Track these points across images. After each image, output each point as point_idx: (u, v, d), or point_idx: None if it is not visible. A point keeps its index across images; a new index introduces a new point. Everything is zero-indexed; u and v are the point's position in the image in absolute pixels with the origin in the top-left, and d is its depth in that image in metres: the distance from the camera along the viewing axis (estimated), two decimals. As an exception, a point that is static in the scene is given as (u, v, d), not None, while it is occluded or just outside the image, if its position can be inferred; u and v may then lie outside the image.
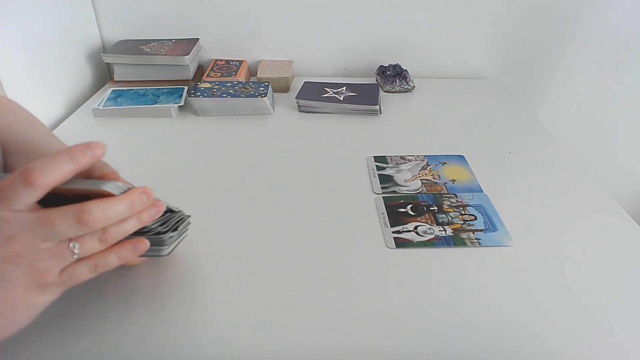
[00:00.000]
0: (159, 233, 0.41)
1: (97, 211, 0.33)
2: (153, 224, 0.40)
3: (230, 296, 0.45)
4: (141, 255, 0.40)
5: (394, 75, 0.94)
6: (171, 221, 0.43)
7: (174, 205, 0.44)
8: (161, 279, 0.47)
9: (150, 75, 0.91)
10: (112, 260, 0.37)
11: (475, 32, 0.99)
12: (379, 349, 0.40)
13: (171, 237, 0.42)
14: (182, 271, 0.48)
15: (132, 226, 0.37)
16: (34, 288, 0.34)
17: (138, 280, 0.46)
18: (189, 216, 0.46)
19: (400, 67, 0.95)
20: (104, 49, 0.98)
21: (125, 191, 0.36)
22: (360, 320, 0.43)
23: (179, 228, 0.44)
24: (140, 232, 0.39)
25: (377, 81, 0.98)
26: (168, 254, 0.43)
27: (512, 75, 1.05)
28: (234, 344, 0.40)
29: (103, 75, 1.00)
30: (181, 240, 0.46)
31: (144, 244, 0.38)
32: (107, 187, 0.35)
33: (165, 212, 0.42)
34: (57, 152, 0.32)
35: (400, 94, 0.94)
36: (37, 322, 0.41)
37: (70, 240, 0.34)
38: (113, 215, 0.34)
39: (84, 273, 0.36)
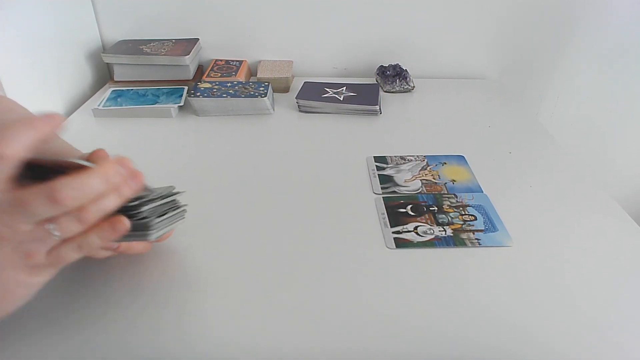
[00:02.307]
0: (145, 218, 0.40)
1: (69, 188, 0.31)
2: (140, 204, 0.39)
3: (229, 296, 0.45)
4: (127, 239, 0.39)
5: (394, 76, 0.94)
6: (160, 206, 0.42)
7: (168, 190, 0.43)
8: (161, 279, 0.47)
9: (150, 76, 0.91)
10: (95, 240, 0.35)
11: (475, 32, 0.99)
12: (379, 349, 0.40)
13: (159, 222, 0.41)
14: (181, 271, 0.48)
15: (112, 202, 0.34)
16: (23, 269, 0.34)
17: (139, 281, 0.46)
18: (184, 205, 0.45)
19: (400, 67, 0.95)
20: (104, 49, 0.98)
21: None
22: (360, 320, 0.43)
23: (170, 215, 0.43)
24: (129, 216, 0.38)
25: (377, 81, 0.98)
26: (155, 239, 0.41)
27: (512, 75, 1.05)
28: (233, 343, 0.40)
29: (103, 75, 1.00)
30: (172, 226, 0.44)
31: (122, 223, 0.35)
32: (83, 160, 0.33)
33: (156, 198, 0.41)
34: (14, 121, 0.31)
35: (400, 94, 0.94)
36: (37, 322, 0.41)
37: (47, 221, 0.32)
38: (88, 191, 0.32)
39: (70, 254, 0.35)
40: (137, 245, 0.46)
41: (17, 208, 0.31)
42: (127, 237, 0.39)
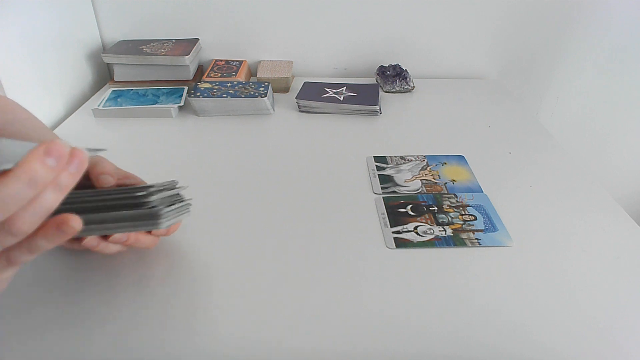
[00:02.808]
0: (155, 207, 0.40)
1: None
2: (148, 194, 0.39)
3: (229, 296, 0.45)
4: (137, 229, 0.39)
5: (394, 76, 0.94)
6: (168, 197, 0.42)
7: (171, 184, 0.44)
8: (160, 279, 0.47)
9: (150, 76, 0.91)
10: (43, 244, 0.30)
11: (475, 32, 0.99)
12: (379, 348, 0.40)
13: (168, 212, 0.41)
14: (181, 271, 0.48)
15: (50, 201, 0.28)
16: None
17: (140, 279, 0.46)
18: (189, 199, 0.46)
19: (400, 67, 0.95)
20: (104, 49, 0.99)
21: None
22: (360, 320, 0.43)
23: (177, 206, 0.43)
24: (139, 204, 0.38)
25: (377, 81, 0.98)
26: (165, 227, 0.41)
27: (512, 75, 1.05)
28: (232, 343, 0.40)
29: (103, 75, 1.00)
30: (180, 217, 0.44)
31: (69, 225, 0.30)
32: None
33: (163, 189, 0.42)
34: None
35: (400, 94, 0.94)
36: (41, 321, 0.41)
37: None
38: (11, 202, 0.26)
39: (22, 257, 0.30)
40: (145, 239, 0.45)
41: None
42: (137, 226, 0.40)
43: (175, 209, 0.43)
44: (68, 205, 0.32)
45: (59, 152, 0.27)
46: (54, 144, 0.27)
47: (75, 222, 0.30)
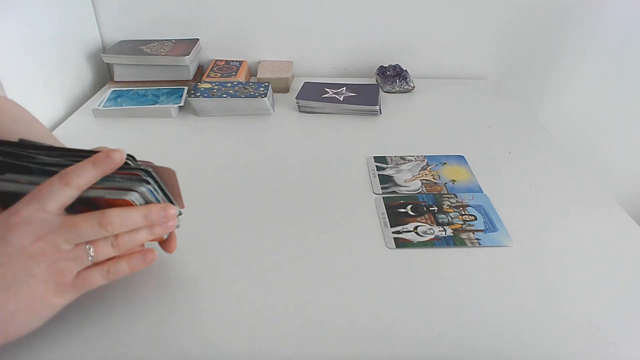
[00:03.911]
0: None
1: (116, 217, 0.37)
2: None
3: (228, 296, 0.45)
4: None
5: (394, 76, 0.94)
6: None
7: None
8: (160, 279, 0.47)
9: (151, 76, 0.91)
10: (123, 267, 0.39)
11: (476, 32, 0.99)
12: (379, 349, 0.40)
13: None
14: (181, 271, 0.48)
15: (143, 236, 0.39)
16: (52, 287, 0.36)
17: (138, 282, 0.46)
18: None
19: (400, 68, 0.95)
20: (104, 49, 0.99)
21: (146, 202, 0.39)
22: (359, 320, 0.43)
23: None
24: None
25: (377, 81, 0.98)
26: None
27: (512, 75, 1.05)
28: (232, 343, 0.40)
29: (103, 75, 1.00)
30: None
31: (153, 254, 0.41)
32: (130, 197, 0.38)
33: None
34: (84, 162, 0.37)
35: (400, 94, 0.94)
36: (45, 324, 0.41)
37: (86, 243, 0.37)
38: (129, 222, 0.37)
39: (96, 278, 0.38)
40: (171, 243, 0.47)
41: (67, 228, 0.35)
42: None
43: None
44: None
45: (168, 215, 0.40)
46: (169, 210, 0.40)
47: (155, 255, 0.41)
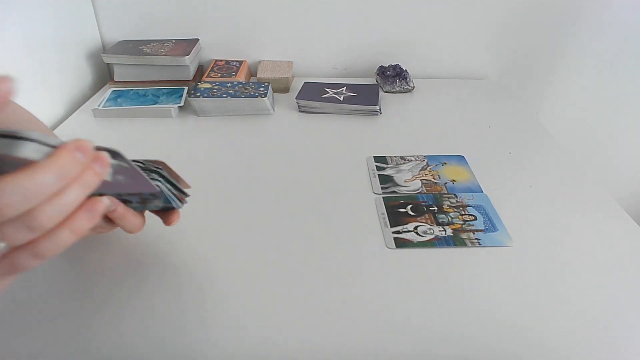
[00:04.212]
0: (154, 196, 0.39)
1: (9, 193, 0.24)
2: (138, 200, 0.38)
3: (228, 296, 0.45)
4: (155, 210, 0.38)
5: (394, 76, 0.94)
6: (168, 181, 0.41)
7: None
8: (160, 279, 0.47)
9: (151, 76, 0.91)
10: (65, 237, 0.28)
11: (476, 32, 0.99)
12: (379, 348, 0.40)
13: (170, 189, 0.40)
14: (180, 271, 0.48)
15: (74, 198, 0.27)
16: None
17: (139, 280, 0.46)
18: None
19: (400, 68, 0.95)
20: (104, 49, 0.99)
21: (50, 152, 0.26)
22: (359, 320, 0.43)
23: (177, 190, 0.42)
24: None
25: (377, 81, 0.98)
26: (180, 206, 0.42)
27: (512, 75, 1.05)
28: (231, 344, 0.40)
29: (103, 75, 1.00)
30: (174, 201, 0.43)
31: (101, 203, 0.30)
32: (24, 151, 0.25)
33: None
34: None
35: (400, 94, 0.94)
36: (39, 323, 0.41)
37: None
38: (38, 191, 0.25)
39: (26, 262, 0.28)
40: (132, 219, 0.40)
41: None
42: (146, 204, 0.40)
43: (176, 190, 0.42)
44: None
45: (88, 149, 0.27)
46: (84, 141, 0.27)
47: (105, 201, 0.30)
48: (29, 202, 0.25)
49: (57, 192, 0.26)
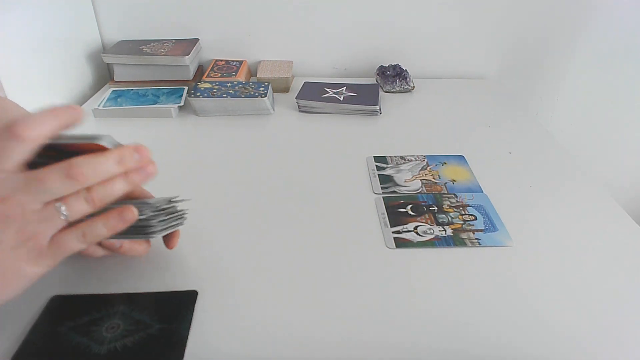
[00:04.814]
0: (149, 219, 0.41)
1: (85, 165, 0.32)
2: (144, 213, 0.40)
3: (227, 296, 0.45)
4: (128, 237, 0.41)
5: (394, 76, 0.94)
6: (162, 210, 0.43)
7: (166, 201, 0.44)
8: (160, 276, 0.47)
9: (151, 76, 0.91)
10: (100, 229, 0.36)
11: (475, 32, 0.99)
12: (379, 348, 0.40)
13: (162, 221, 0.43)
14: (180, 271, 0.48)
15: (120, 187, 0.35)
16: (24, 254, 0.33)
17: (136, 281, 0.46)
18: (185, 210, 0.47)
19: (400, 67, 0.95)
20: (104, 49, 0.99)
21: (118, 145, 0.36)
22: (359, 320, 0.43)
23: (170, 217, 0.44)
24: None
25: (377, 81, 0.98)
26: (157, 236, 0.43)
27: (512, 75, 1.05)
28: (231, 344, 0.40)
29: (103, 75, 1.00)
30: (173, 228, 0.45)
31: (131, 212, 0.37)
32: (102, 140, 0.35)
33: (160, 209, 0.43)
34: (39, 111, 0.34)
35: (400, 94, 0.94)
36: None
37: (56, 200, 0.33)
38: (103, 170, 0.33)
39: (72, 242, 0.35)
40: (138, 247, 0.46)
41: (32, 185, 0.31)
42: (129, 235, 0.40)
43: (169, 219, 0.44)
44: None
45: (144, 154, 0.36)
46: (143, 147, 0.36)
47: (134, 212, 0.37)
48: (95, 176, 0.33)
49: (112, 177, 0.34)
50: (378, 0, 0.95)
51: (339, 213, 0.57)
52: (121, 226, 0.36)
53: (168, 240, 0.47)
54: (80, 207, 0.34)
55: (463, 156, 0.70)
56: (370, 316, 0.43)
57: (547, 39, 1.00)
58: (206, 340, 0.41)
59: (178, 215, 0.46)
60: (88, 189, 0.33)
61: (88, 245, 0.36)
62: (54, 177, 0.32)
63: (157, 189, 0.48)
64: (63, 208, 0.33)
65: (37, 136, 0.32)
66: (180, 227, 0.47)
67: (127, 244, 0.44)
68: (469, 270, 0.49)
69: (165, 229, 0.44)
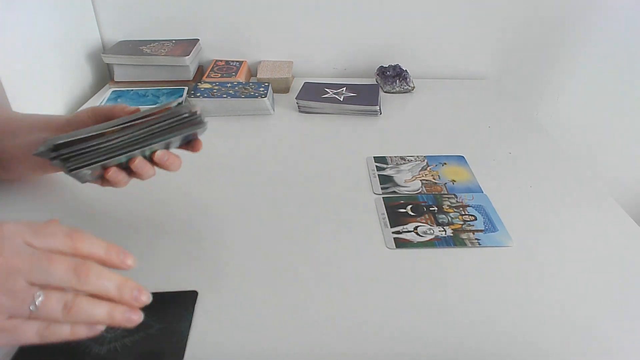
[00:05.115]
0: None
1: (93, 270, 0.33)
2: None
3: (226, 295, 0.45)
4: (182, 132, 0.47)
5: (394, 76, 0.94)
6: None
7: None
8: (159, 278, 0.47)
9: (151, 76, 0.91)
10: (64, 330, 0.33)
11: (476, 32, 0.99)
12: (379, 349, 0.40)
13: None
14: (181, 270, 0.48)
15: (100, 314, 0.33)
16: None
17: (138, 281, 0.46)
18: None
19: (400, 68, 0.95)
20: (104, 49, 0.99)
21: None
22: (359, 320, 0.43)
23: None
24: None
25: (377, 82, 0.98)
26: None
27: (512, 75, 1.04)
28: (231, 344, 0.40)
29: (103, 76, 1.00)
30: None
31: (96, 331, 0.35)
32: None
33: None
34: (99, 243, 0.35)
35: (400, 94, 0.94)
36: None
37: (40, 287, 0.31)
38: (103, 283, 0.33)
39: (28, 333, 0.32)
40: (175, 161, 0.49)
41: (37, 259, 0.32)
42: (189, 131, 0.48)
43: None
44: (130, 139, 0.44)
45: (140, 297, 0.35)
46: (143, 295, 0.35)
47: (99, 329, 0.35)
48: (95, 284, 0.33)
49: (102, 297, 0.34)
50: (378, 1, 0.95)
51: (339, 213, 0.57)
52: (85, 335, 0.34)
53: (192, 146, 0.52)
54: (54, 308, 0.32)
55: (463, 156, 0.70)
56: (370, 316, 0.43)
57: (547, 39, 1.00)
58: (206, 340, 0.41)
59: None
60: (75, 295, 0.32)
61: (39, 342, 0.33)
62: (63, 265, 0.32)
63: (157, 189, 0.48)
64: (39, 299, 0.31)
65: (77, 248, 0.34)
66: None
67: (171, 156, 0.48)
68: (469, 270, 0.49)
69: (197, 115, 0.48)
